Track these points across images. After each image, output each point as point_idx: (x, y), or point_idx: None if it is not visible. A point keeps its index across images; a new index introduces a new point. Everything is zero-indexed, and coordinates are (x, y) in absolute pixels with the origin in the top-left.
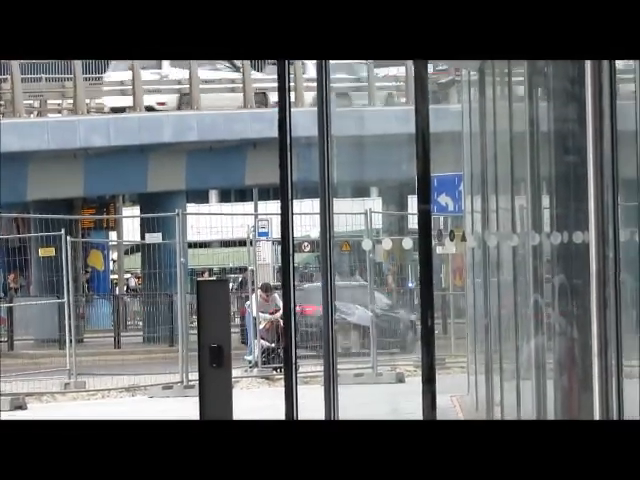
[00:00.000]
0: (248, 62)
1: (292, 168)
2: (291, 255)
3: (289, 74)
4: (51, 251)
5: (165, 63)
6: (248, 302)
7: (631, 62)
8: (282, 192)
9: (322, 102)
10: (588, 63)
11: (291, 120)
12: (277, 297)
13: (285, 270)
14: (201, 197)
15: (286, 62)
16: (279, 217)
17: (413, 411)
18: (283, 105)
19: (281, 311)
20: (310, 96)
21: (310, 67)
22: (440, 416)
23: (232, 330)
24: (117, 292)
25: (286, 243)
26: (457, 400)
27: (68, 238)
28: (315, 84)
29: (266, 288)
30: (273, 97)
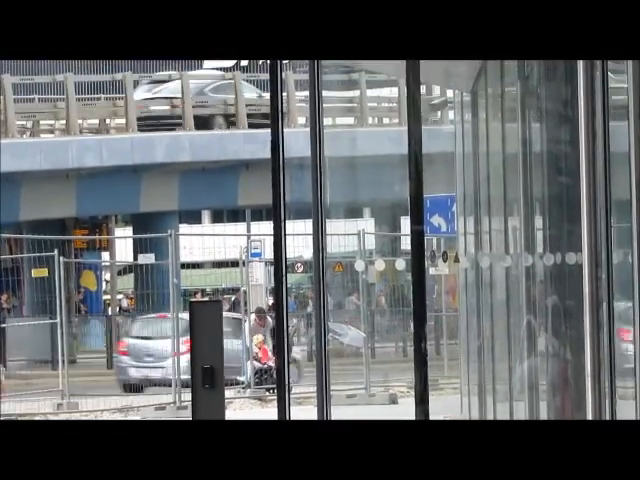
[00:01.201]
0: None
1: (285, 189)
2: (284, 276)
3: (282, 76)
4: (44, 272)
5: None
6: None
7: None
8: (275, 213)
9: (315, 123)
10: (581, 84)
11: (284, 141)
12: (270, 321)
13: (278, 291)
14: (194, 218)
15: (278, 63)
16: (272, 238)
17: None
18: (276, 126)
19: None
20: (303, 118)
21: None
22: None
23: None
24: (110, 312)
25: (279, 264)
26: None
27: (61, 259)
28: (307, 105)
29: (260, 312)
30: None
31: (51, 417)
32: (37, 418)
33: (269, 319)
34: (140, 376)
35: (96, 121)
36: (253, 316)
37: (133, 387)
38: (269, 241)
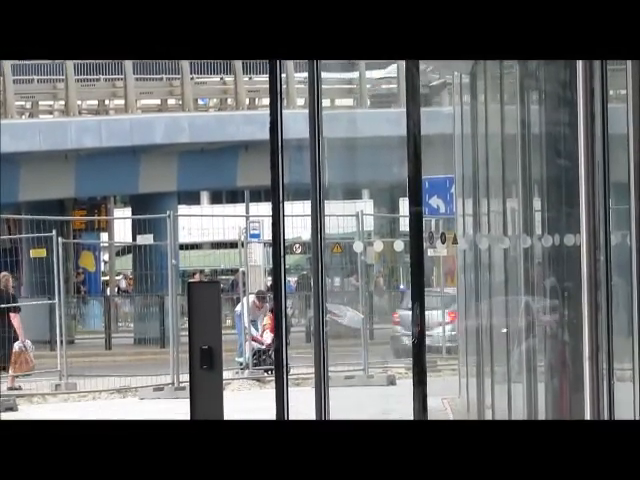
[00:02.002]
0: (240, 65)
1: (283, 170)
2: (282, 257)
3: (281, 75)
4: (42, 252)
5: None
6: (238, 306)
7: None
8: (273, 194)
9: (314, 104)
10: (580, 66)
11: (282, 122)
12: (267, 305)
13: (276, 272)
14: (193, 199)
15: (277, 62)
16: (270, 219)
17: (404, 413)
18: (275, 107)
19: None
20: (302, 98)
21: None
22: (431, 418)
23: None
24: (108, 293)
25: (277, 245)
26: (448, 402)
27: (59, 239)
28: (306, 86)
29: (261, 298)
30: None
31: (49, 397)
32: (35, 399)
33: (267, 305)
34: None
35: (95, 102)
36: (252, 297)
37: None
38: (268, 222)
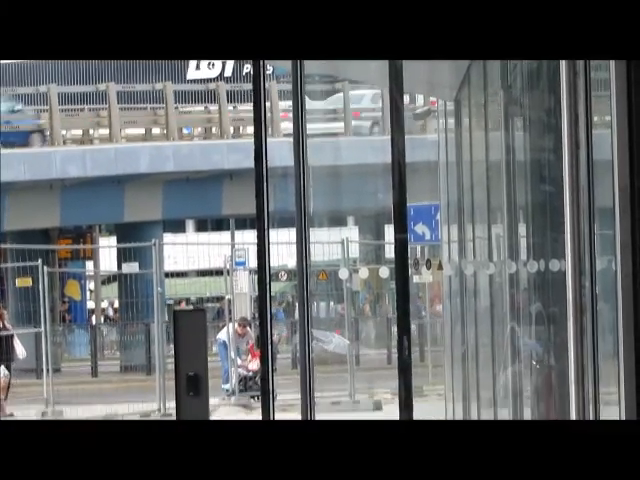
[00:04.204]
0: (224, 94)
1: (268, 198)
2: (268, 284)
3: (264, 76)
4: (28, 281)
5: None
6: (220, 333)
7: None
8: (259, 222)
9: (298, 132)
10: (564, 93)
11: (267, 150)
12: (250, 333)
13: (262, 299)
14: (178, 227)
15: (261, 63)
16: (256, 246)
17: None
18: (259, 136)
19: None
20: (287, 127)
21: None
22: None
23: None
24: (94, 321)
25: (263, 272)
26: None
27: (45, 268)
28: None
29: (243, 323)
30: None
31: None
32: None
33: (248, 329)
34: None
35: (80, 132)
36: (237, 324)
37: None
38: (253, 250)
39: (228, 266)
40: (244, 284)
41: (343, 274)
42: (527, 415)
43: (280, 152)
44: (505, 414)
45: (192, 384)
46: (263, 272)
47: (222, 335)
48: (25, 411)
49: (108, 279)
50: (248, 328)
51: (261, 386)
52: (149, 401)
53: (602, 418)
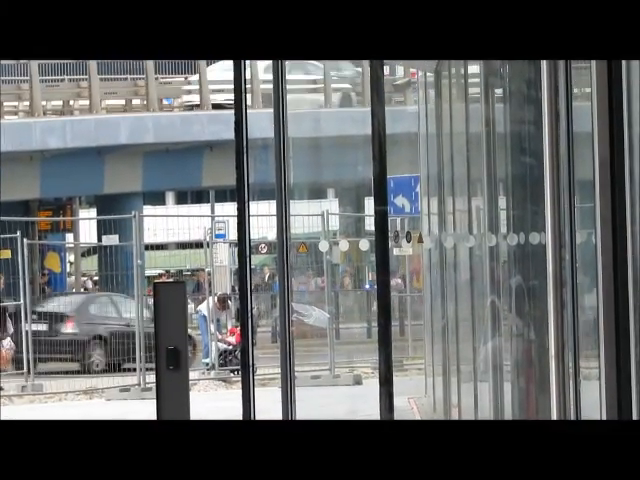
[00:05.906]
0: (204, 64)
1: (248, 170)
2: (248, 257)
3: (245, 75)
4: (7, 253)
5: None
6: (201, 306)
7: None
8: (239, 194)
9: (278, 104)
10: (544, 64)
11: (247, 122)
12: (230, 304)
13: (242, 272)
14: (158, 199)
15: (242, 63)
16: (236, 219)
17: (371, 413)
18: (239, 107)
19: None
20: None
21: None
22: (397, 417)
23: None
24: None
25: (243, 245)
26: (415, 402)
27: (24, 240)
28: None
29: (222, 300)
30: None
31: (15, 399)
32: (1, 400)
33: (229, 302)
34: None
35: (60, 102)
36: (216, 299)
37: None
38: (233, 222)
39: (208, 238)
40: (224, 257)
41: (323, 247)
42: (507, 389)
43: (260, 123)
44: (485, 388)
45: (172, 357)
46: (243, 245)
47: (202, 308)
48: (5, 384)
49: (88, 251)
50: (229, 302)
51: (241, 359)
52: (129, 375)
53: (582, 393)
